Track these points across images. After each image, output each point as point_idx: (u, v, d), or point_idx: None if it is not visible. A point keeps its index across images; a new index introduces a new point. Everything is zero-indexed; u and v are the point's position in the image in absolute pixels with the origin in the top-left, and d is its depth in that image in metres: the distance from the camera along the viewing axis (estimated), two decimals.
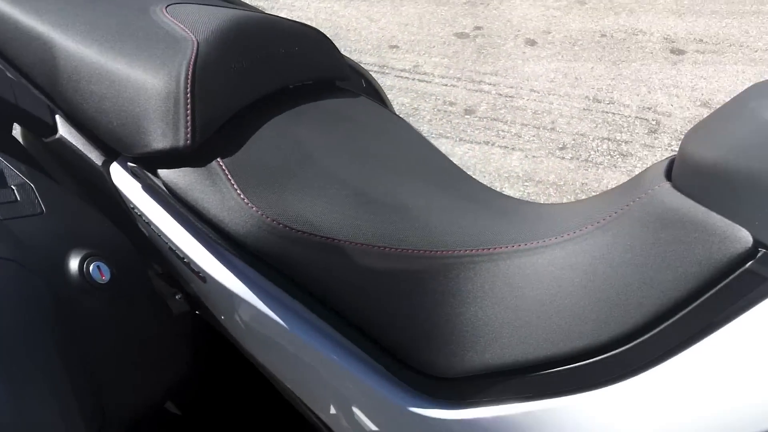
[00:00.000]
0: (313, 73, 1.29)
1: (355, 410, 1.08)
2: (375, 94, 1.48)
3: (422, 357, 1.00)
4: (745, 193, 0.91)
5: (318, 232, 1.01)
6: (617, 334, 0.94)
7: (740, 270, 0.90)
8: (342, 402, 1.10)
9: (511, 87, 3.38)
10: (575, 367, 0.96)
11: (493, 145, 3.02)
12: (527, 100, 3.29)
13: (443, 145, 3.00)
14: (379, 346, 1.02)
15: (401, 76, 3.46)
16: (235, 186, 1.03)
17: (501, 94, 3.34)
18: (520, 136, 3.07)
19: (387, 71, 3.50)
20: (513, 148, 3.00)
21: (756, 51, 3.60)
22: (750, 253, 0.90)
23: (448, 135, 3.09)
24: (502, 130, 3.11)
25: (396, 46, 3.68)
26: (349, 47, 3.65)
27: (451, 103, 3.27)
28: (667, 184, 0.97)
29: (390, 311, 1.00)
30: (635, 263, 0.95)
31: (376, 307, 1.01)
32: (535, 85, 3.38)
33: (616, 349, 0.94)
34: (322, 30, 1.31)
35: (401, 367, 1.02)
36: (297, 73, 1.26)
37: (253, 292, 1.08)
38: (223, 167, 1.04)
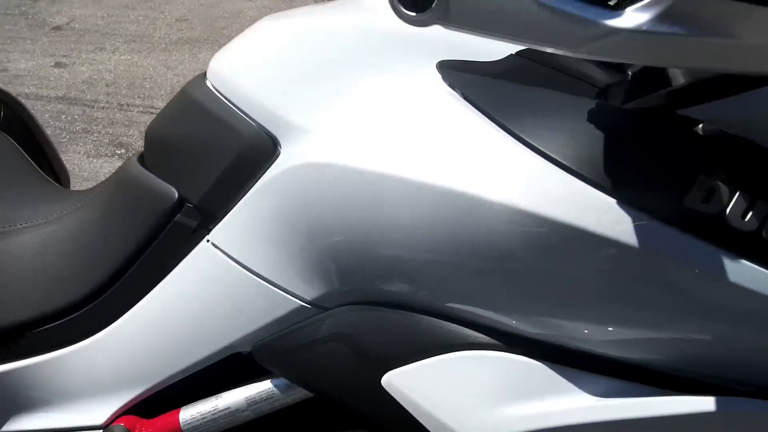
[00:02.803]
0: None
1: None
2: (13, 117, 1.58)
3: None
4: (173, 156, 1.04)
5: None
6: (84, 294, 1.06)
7: (171, 223, 1.02)
8: None
9: None
10: (50, 327, 1.07)
11: None
12: None
13: None
14: None
15: None
16: None
17: None
18: None
19: None
20: None
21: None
22: (176, 207, 1.02)
23: None
24: None
25: None
26: (143, 94, 3.77)
27: None
28: (133, 159, 1.09)
29: None
30: (101, 232, 1.07)
31: None
32: None
33: (83, 308, 1.06)
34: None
35: None
36: None
37: None
38: None
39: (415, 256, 0.87)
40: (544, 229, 0.81)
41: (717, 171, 0.80)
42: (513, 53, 0.94)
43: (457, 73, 0.92)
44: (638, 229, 0.79)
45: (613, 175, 0.81)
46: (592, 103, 0.85)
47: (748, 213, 0.79)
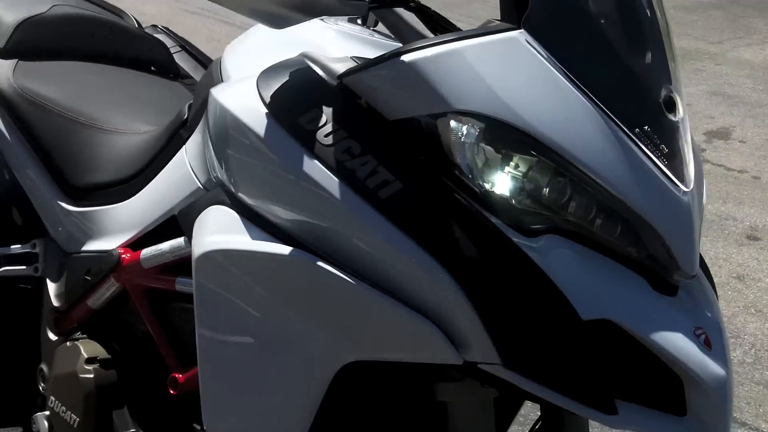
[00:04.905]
0: None
1: None
2: None
3: None
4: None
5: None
6: (126, 176, 1.77)
7: (176, 135, 1.67)
8: None
9: None
10: (107, 191, 1.79)
11: None
12: None
13: None
14: None
15: None
16: None
17: None
18: None
19: None
20: None
21: None
22: (181, 125, 1.66)
23: None
24: None
25: None
26: None
27: None
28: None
29: None
30: (150, 141, 1.76)
31: None
32: None
33: (124, 184, 1.77)
34: None
35: None
36: None
37: None
38: None
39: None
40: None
41: (327, 108, 1.29)
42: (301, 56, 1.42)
43: (301, 59, 1.41)
44: (267, 127, 1.31)
45: (275, 98, 1.34)
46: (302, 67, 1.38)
47: (330, 135, 1.26)
